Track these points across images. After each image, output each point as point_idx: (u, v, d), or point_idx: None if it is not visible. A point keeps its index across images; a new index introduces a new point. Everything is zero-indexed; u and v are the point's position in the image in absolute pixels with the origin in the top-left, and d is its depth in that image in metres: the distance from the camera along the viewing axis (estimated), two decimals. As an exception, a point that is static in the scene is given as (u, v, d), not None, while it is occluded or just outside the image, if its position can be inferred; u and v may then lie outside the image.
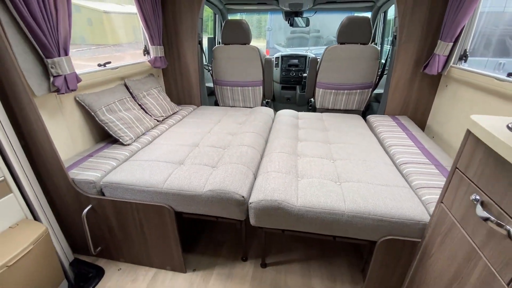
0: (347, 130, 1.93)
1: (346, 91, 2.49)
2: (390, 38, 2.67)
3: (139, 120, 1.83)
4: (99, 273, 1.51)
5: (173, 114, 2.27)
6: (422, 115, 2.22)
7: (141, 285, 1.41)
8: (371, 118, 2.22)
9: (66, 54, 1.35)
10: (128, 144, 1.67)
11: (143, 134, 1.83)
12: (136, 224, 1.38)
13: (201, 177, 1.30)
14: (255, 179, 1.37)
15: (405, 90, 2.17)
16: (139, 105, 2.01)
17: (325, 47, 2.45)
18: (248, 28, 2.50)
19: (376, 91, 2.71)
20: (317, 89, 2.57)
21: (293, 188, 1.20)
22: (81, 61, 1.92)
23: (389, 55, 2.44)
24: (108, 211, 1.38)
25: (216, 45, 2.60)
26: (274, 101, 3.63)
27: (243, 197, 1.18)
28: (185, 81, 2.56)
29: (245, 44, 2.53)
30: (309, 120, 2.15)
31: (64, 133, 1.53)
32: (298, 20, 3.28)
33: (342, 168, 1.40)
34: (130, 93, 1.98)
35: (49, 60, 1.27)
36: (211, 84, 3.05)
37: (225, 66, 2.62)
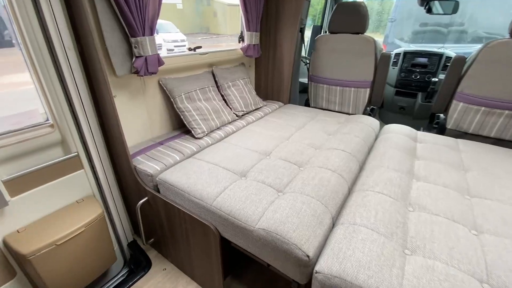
0: (506, 176, 1.19)
1: (507, 111, 1.62)
2: None
3: (217, 112, 1.67)
4: (147, 265, 1.45)
5: (255, 109, 2.03)
6: None
7: (177, 299, 1.25)
8: None
9: (151, 34, 1.26)
10: (199, 138, 1.53)
11: (218, 128, 1.66)
12: (183, 232, 1.21)
13: (260, 203, 0.98)
14: (332, 227, 0.94)
15: None
16: (222, 95, 1.86)
17: (472, 45, 1.63)
18: (366, 13, 1.95)
19: None
20: (454, 102, 1.79)
21: (394, 271, 0.72)
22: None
23: None
24: (160, 209, 1.26)
25: (321, 34, 2.17)
26: (381, 108, 2.91)
27: (307, 256, 0.79)
28: (276, 74, 2.27)
29: (359, 33, 1.99)
30: (435, 147, 1.48)
31: (143, 116, 1.50)
32: (440, 4, 2.41)
33: (493, 251, 0.79)
34: (216, 81, 1.84)
35: (132, 39, 1.20)
36: (305, 80, 2.65)
37: (326, 59, 2.17)
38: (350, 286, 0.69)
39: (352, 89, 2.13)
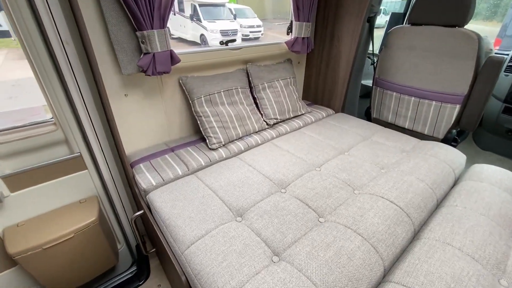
0: None
1: None
2: None
3: (242, 120, 1.41)
4: (146, 275, 1.37)
5: (293, 117, 1.69)
6: None
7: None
8: None
9: (162, 26, 1.06)
10: (213, 149, 1.32)
11: (239, 138, 1.41)
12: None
13: (239, 271, 0.71)
14: None
15: None
16: (254, 98, 1.59)
17: None
18: None
19: None
20: None
21: None
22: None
23: None
24: (154, 226, 1.12)
25: (397, 26, 1.63)
26: (478, 127, 2.15)
27: None
28: (330, 74, 1.84)
29: (455, 26, 1.40)
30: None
31: (160, 116, 1.37)
32: None
33: None
34: (249, 82, 1.58)
35: (139, 33, 1.04)
36: (370, 82, 2.13)
37: (400, 59, 1.63)
38: None
39: (434, 102, 1.56)
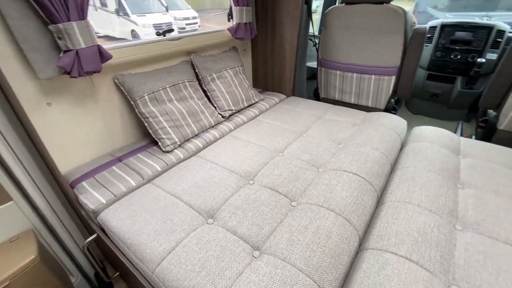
0: None
1: None
2: None
3: (194, 115, 1.32)
4: (112, 303, 1.22)
5: (248, 106, 1.65)
6: None
7: None
8: None
9: (82, 17, 0.90)
10: (168, 151, 1.20)
11: (196, 135, 1.32)
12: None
13: (221, 275, 0.65)
14: None
15: None
16: (204, 91, 1.49)
17: None
18: None
19: None
20: (513, 96, 1.31)
21: None
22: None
23: None
24: (114, 250, 0.98)
25: (333, 6, 1.69)
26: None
27: None
28: (276, 59, 1.85)
29: (382, 3, 1.50)
30: (488, 166, 1.05)
31: (97, 125, 1.19)
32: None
33: None
34: (196, 74, 1.47)
35: (52, 27, 0.86)
36: (315, 64, 2.21)
37: (339, 39, 1.71)
38: None
39: (373, 77, 1.68)
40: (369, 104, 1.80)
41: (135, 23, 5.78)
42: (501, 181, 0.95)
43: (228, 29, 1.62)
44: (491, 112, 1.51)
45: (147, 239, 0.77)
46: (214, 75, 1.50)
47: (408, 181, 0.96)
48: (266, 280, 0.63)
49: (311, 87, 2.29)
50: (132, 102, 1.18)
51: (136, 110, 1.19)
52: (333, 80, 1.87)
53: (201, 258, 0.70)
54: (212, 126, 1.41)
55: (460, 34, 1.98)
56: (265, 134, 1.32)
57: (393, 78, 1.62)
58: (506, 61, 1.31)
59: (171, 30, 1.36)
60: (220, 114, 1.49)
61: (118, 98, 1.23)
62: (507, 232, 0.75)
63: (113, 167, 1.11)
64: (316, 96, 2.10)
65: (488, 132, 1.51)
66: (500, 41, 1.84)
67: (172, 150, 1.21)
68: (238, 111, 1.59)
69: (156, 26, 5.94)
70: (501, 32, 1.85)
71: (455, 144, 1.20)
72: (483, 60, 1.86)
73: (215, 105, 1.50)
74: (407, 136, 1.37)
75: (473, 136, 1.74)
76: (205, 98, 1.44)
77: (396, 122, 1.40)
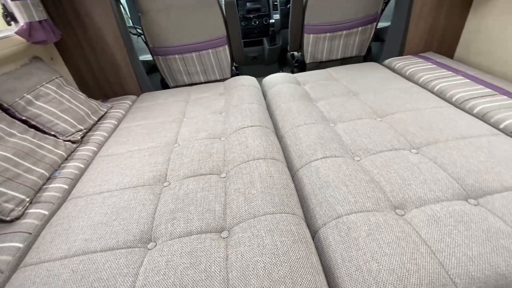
0: (381, 89, 1.29)
1: (345, 31, 1.80)
2: None
3: (30, 155, 0.91)
4: None
5: (99, 120, 1.33)
6: (449, 48, 1.68)
7: None
8: (394, 62, 1.60)
9: None
10: (18, 217, 0.79)
11: (49, 179, 0.94)
12: None
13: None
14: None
15: (430, 16, 1.56)
16: (24, 121, 1.05)
17: None
18: None
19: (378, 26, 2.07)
20: (306, 35, 1.82)
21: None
22: None
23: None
24: None
25: None
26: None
27: None
28: (103, 58, 1.55)
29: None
30: (318, 84, 1.44)
31: None
32: None
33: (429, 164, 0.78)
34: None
35: None
36: (149, 56, 2.05)
37: (164, 22, 1.65)
38: None
39: (210, 51, 1.79)
40: (218, 77, 1.93)
41: None
42: (331, 88, 1.34)
43: (17, 33, 1.16)
44: (299, 55, 2.04)
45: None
46: (29, 96, 1.07)
47: (287, 113, 1.16)
48: (255, 243, 0.60)
49: (155, 81, 2.13)
50: None
51: None
52: (175, 66, 1.83)
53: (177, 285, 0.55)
54: (66, 159, 1.05)
55: (250, 5, 2.43)
56: (144, 136, 1.13)
57: (226, 47, 1.80)
58: (292, 13, 1.77)
59: None
60: (68, 140, 1.11)
61: None
62: (348, 113, 1.09)
63: None
64: (165, 87, 1.99)
65: (302, 68, 2.05)
66: (276, 3, 2.45)
67: (23, 212, 0.80)
68: (90, 129, 1.25)
69: None
70: (275, -3, 2.45)
71: (294, 79, 1.55)
72: (273, 21, 2.41)
73: (52, 132, 1.10)
74: (263, 89, 1.62)
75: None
76: (33, 129, 1.02)
77: (249, 80, 1.60)
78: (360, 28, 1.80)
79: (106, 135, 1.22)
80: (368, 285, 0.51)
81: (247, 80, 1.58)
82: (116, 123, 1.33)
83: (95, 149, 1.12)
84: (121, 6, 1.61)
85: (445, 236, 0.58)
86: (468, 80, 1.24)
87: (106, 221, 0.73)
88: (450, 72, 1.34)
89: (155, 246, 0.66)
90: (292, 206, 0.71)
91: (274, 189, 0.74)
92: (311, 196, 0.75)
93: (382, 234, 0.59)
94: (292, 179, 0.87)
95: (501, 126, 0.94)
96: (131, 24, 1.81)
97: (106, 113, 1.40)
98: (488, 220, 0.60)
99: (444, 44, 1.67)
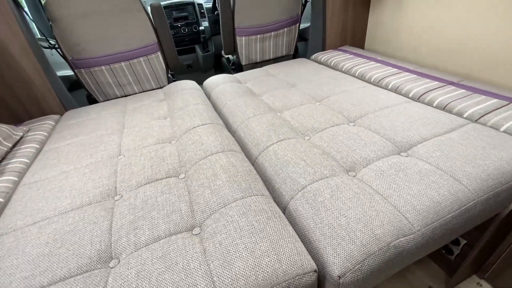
0: (314, 79, 1.43)
1: (273, 32, 1.94)
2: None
3: None
4: None
5: (14, 146, 1.11)
6: (360, 41, 1.98)
7: None
8: (319, 56, 1.80)
9: None
10: None
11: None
12: None
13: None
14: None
15: (341, 14, 1.81)
16: None
17: None
18: None
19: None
20: (238, 38, 1.88)
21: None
22: None
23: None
24: None
25: None
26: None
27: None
28: (10, 75, 1.31)
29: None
30: (259, 80, 1.51)
31: None
32: None
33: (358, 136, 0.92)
34: None
35: None
36: (68, 72, 1.82)
37: (83, 30, 1.49)
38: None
39: (141, 58, 1.69)
40: (154, 86, 1.83)
41: None
42: (271, 83, 1.43)
43: None
44: (234, 58, 2.09)
45: None
46: None
47: (235, 109, 1.18)
48: (231, 228, 0.59)
49: (80, 98, 1.89)
50: None
51: None
52: (102, 78, 1.66)
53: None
54: (-25, 196, 0.84)
55: (176, 13, 2.40)
56: (79, 153, 0.99)
57: (159, 53, 1.73)
58: (222, 18, 1.81)
59: None
60: (-25, 174, 0.90)
61: None
62: (291, 102, 1.18)
63: None
64: (92, 102, 1.79)
65: (239, 70, 2.11)
66: (203, 11, 2.47)
67: None
68: (4, 158, 1.03)
69: None
70: (200, 5, 2.47)
71: (235, 79, 1.59)
72: (202, 28, 2.43)
73: (-51, 168, 0.87)
74: (206, 90, 1.60)
75: None
76: None
77: (190, 83, 1.57)
78: (286, 29, 1.96)
79: (27, 161, 1.03)
80: (342, 237, 0.55)
81: (188, 84, 1.55)
82: (38, 146, 1.13)
83: (15, 178, 0.93)
84: (25, 14, 1.39)
85: (391, 183, 0.67)
86: (379, 64, 1.48)
87: (49, 251, 0.61)
88: (365, 60, 1.58)
89: (119, 262, 0.59)
90: (259, 188, 0.72)
91: (239, 177, 0.74)
92: (274, 176, 0.78)
93: (343, 193, 0.65)
94: (254, 167, 0.88)
95: (410, 95, 1.15)
96: (39, 36, 1.58)
97: (22, 137, 1.18)
98: (418, 165, 0.73)
99: (355, 37, 1.95)
